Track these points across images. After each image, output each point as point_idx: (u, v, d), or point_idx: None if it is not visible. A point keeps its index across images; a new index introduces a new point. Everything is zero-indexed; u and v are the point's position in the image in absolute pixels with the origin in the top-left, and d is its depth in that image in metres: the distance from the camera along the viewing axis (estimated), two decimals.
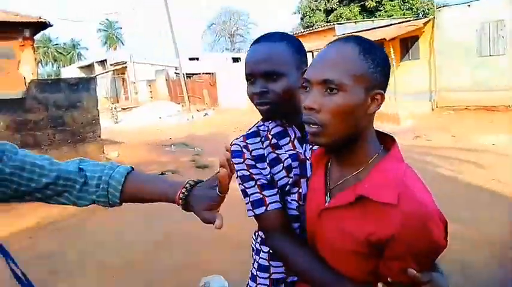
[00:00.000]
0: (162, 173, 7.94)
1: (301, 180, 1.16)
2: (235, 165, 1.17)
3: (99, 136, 6.83)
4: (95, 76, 28.91)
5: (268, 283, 1.23)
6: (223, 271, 1.96)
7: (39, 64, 52.55)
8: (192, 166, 8.28)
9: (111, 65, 30.40)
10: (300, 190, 1.16)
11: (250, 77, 1.14)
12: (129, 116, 20.41)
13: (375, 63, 0.90)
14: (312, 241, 1.05)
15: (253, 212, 1.13)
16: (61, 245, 4.33)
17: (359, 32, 14.77)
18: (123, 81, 31.34)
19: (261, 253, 1.25)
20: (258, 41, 1.17)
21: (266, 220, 1.13)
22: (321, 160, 1.07)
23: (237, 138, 1.23)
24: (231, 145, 1.21)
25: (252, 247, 1.32)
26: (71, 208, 1.12)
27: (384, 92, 0.93)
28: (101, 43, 57.78)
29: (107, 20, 56.46)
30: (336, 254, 0.98)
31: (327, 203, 0.99)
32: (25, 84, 6.51)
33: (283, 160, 1.16)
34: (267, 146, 1.19)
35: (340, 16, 24.88)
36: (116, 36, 57.18)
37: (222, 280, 2.11)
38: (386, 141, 1.00)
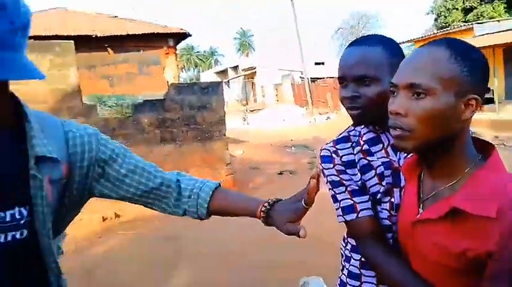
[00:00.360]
0: (280, 173, 8.24)
1: (394, 189, 1.11)
2: (324, 170, 1.16)
3: (224, 135, 7.37)
4: (228, 81, 31.09)
5: None
6: (319, 274, 1.97)
7: (183, 69, 58.94)
8: (309, 168, 8.36)
9: (242, 70, 32.45)
10: (392, 199, 1.10)
11: (343, 81, 1.12)
12: (256, 117, 21.48)
13: (468, 66, 0.84)
14: (405, 253, 1.02)
15: (344, 218, 1.11)
16: (184, 229, 4.82)
17: (502, 31, 12.79)
18: (253, 85, 33.11)
19: (352, 260, 1.22)
20: (352, 44, 1.14)
21: (357, 227, 1.10)
22: (413, 170, 1.02)
23: (327, 144, 1.22)
24: (321, 149, 1.21)
25: (342, 253, 1.30)
26: None
27: (481, 97, 0.85)
28: (235, 50, 62.14)
29: (241, 28, 60.54)
30: (428, 268, 0.93)
31: (418, 215, 0.94)
32: (168, 87, 7.40)
33: (375, 167, 1.12)
34: (358, 152, 1.16)
35: (481, 15, 22.03)
36: (248, 43, 60.78)
37: (321, 282, 2.10)
38: (486, 149, 0.92)
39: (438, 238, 0.88)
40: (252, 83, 32.77)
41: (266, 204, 1.01)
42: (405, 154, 1.08)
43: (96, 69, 12.73)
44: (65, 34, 11.26)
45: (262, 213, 1.01)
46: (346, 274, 1.24)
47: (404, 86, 0.87)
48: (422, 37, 18.16)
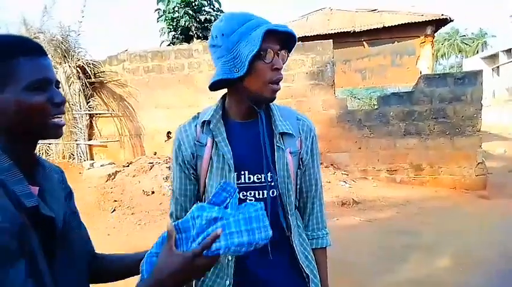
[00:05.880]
0: None
1: None
2: None
3: (478, 130, 6.67)
4: (497, 67, 26.60)
5: None
6: None
7: (443, 57, 54.05)
8: None
9: None
10: None
11: None
12: None
13: None
14: None
15: None
16: (421, 225, 4.81)
17: None
18: None
19: None
20: None
21: None
22: None
23: None
24: None
25: None
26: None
27: None
28: None
29: None
30: None
31: None
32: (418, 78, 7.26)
33: None
34: None
35: None
36: None
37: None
38: None
39: None
40: None
41: None
42: None
43: (351, 63, 13.57)
44: (326, 33, 12.51)
45: None
46: None
47: None
48: None
